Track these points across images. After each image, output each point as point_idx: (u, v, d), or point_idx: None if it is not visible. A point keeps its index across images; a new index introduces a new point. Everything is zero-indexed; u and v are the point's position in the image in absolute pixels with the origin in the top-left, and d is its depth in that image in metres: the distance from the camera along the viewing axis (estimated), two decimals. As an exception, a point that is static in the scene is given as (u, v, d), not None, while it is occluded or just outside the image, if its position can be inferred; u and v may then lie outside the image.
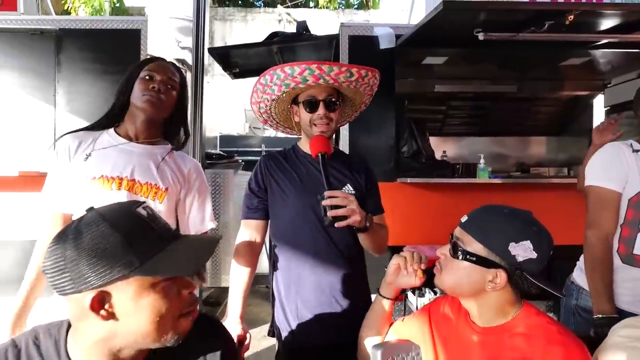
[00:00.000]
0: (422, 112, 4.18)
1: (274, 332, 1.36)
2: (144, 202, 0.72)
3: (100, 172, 1.18)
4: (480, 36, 2.17)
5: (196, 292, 0.76)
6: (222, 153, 3.72)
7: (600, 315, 1.24)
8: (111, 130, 1.26)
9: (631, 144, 1.37)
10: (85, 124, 1.28)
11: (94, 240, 0.62)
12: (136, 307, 0.64)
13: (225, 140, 5.17)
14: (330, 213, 1.10)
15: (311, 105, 1.27)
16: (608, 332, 1.03)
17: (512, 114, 4.43)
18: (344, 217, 1.11)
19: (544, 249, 0.86)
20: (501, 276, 0.86)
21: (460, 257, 0.89)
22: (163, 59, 1.32)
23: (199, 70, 2.99)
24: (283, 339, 1.32)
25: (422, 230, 2.68)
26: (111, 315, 0.64)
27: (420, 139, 2.82)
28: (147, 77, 1.24)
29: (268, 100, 1.32)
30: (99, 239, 0.62)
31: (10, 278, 2.73)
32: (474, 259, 0.87)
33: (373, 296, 2.10)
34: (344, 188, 1.31)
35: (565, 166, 3.91)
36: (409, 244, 2.65)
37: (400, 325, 1.11)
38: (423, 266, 1.01)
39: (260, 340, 2.84)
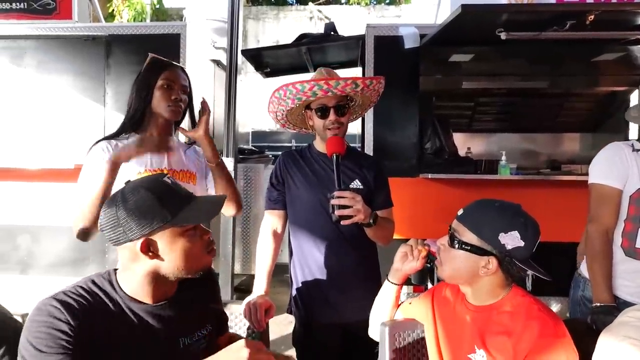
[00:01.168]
0: (450, 108, 4.18)
1: (291, 310, 1.52)
2: (167, 174, 0.94)
3: (144, 167, 1.36)
4: (503, 36, 2.21)
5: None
6: (253, 148, 3.92)
7: (598, 304, 1.30)
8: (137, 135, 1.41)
9: (632, 144, 1.42)
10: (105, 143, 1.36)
11: (137, 202, 0.84)
12: (172, 249, 0.87)
13: (257, 135, 5.38)
14: (338, 212, 1.23)
15: (323, 112, 1.41)
16: (604, 319, 1.11)
17: (543, 110, 4.35)
18: (350, 216, 1.23)
19: (530, 238, 0.95)
20: (492, 262, 0.96)
21: (457, 247, 0.99)
22: (174, 65, 1.45)
23: (232, 70, 3.17)
24: (299, 317, 1.48)
25: (443, 224, 2.75)
26: (156, 256, 0.87)
27: (444, 136, 2.88)
28: (166, 87, 1.37)
29: (283, 111, 1.47)
30: (141, 201, 0.84)
31: (65, 260, 3.05)
32: (469, 247, 0.98)
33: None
34: (352, 183, 1.44)
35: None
36: (430, 238, 2.74)
37: (407, 307, 1.23)
38: (426, 247, 1.13)
39: (286, 325, 3.01)
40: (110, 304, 0.87)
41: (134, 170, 1.35)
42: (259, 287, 1.40)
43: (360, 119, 3.26)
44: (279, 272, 2.69)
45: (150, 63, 1.44)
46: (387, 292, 1.22)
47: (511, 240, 0.94)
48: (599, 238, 1.36)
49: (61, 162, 2.84)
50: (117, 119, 2.98)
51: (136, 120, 1.39)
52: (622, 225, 1.38)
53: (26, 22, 3.04)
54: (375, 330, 1.24)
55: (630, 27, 2.34)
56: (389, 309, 1.23)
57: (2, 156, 2.99)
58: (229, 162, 1.50)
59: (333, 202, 1.24)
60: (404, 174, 2.79)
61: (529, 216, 0.98)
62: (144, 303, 0.90)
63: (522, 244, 0.95)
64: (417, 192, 2.73)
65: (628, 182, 1.37)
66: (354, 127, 1.74)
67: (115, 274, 0.92)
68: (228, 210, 1.46)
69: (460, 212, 1.04)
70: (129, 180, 0.92)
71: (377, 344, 1.24)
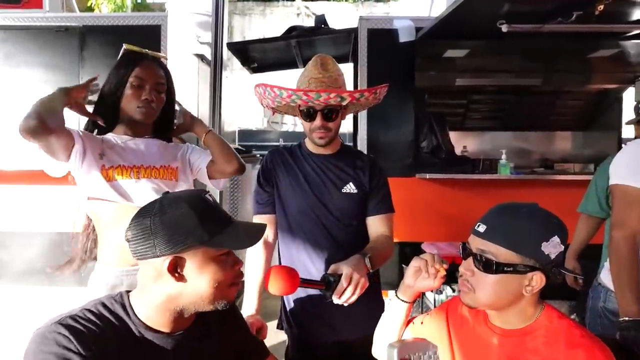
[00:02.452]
0: (443, 106, 4.10)
1: (282, 325, 1.37)
2: (208, 191, 0.86)
3: (121, 162, 1.26)
4: (504, 28, 2.10)
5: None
6: (240, 148, 3.75)
7: (626, 318, 1.19)
8: (110, 134, 1.32)
9: None
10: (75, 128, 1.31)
11: (176, 216, 0.76)
12: (201, 273, 0.78)
13: (244, 134, 5.22)
14: (341, 302, 1.08)
15: (308, 115, 1.26)
16: (636, 335, 0.99)
17: (536, 108, 4.30)
18: None
19: (566, 237, 0.84)
20: (537, 278, 0.83)
21: (493, 271, 0.84)
22: (148, 58, 1.33)
23: (217, 65, 3.01)
24: (292, 336, 1.33)
25: (441, 226, 2.64)
26: (181, 278, 0.78)
27: (440, 134, 2.78)
28: (137, 86, 1.27)
29: (268, 106, 1.35)
30: (180, 216, 0.76)
31: (37, 268, 2.82)
32: (510, 269, 0.83)
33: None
34: (345, 187, 1.30)
35: (592, 162, 3.77)
36: (427, 241, 2.62)
37: (418, 326, 1.09)
38: (445, 266, 0.99)
39: (277, 332, 2.87)
40: (123, 332, 0.78)
41: (103, 164, 1.25)
42: (249, 305, 1.25)
43: (352, 116, 3.16)
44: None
45: (122, 56, 1.33)
46: (395, 310, 1.08)
47: (553, 247, 0.82)
48: (625, 244, 1.25)
49: (31, 163, 2.62)
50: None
51: (108, 119, 1.30)
52: None
53: (-8, 12, 2.81)
54: (381, 350, 1.11)
55: (636, 20, 2.26)
56: (398, 329, 1.09)
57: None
58: (207, 152, 1.43)
59: (337, 302, 1.08)
60: (399, 174, 2.66)
61: (554, 214, 0.86)
62: (161, 332, 0.81)
63: (562, 248, 0.83)
64: (413, 193, 2.61)
65: None
66: (345, 125, 1.59)
67: (129, 296, 0.83)
68: (228, 166, 1.37)
69: (480, 227, 0.88)
70: (168, 192, 0.87)
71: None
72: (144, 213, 0.79)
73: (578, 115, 4.35)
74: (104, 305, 0.79)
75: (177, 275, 0.77)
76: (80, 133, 1.25)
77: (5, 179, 2.75)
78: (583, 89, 4.11)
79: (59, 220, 2.75)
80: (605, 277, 1.39)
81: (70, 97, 1.20)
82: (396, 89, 2.99)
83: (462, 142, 3.89)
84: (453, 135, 3.97)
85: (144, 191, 1.26)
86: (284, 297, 1.36)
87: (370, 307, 1.22)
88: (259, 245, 1.32)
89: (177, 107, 1.43)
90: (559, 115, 4.36)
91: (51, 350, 0.68)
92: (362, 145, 2.70)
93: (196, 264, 0.78)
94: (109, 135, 1.32)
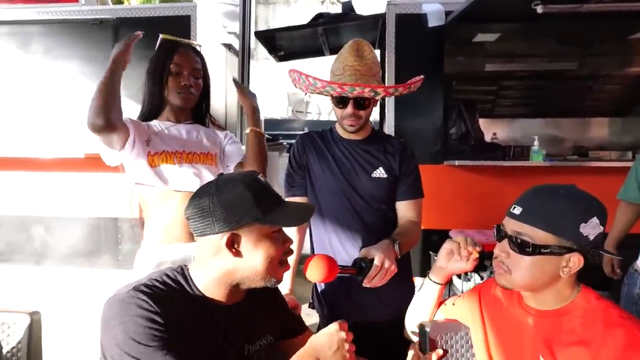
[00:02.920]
0: (472, 92, 4.01)
1: (314, 305, 1.40)
2: (260, 173, 0.90)
3: (164, 148, 1.33)
4: (539, 9, 2.03)
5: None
6: (268, 136, 3.80)
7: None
8: (154, 120, 1.40)
9: None
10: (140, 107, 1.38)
11: (233, 195, 0.81)
12: (255, 249, 0.83)
13: (269, 123, 5.27)
14: (370, 285, 1.11)
15: (341, 102, 1.28)
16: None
17: (571, 94, 4.13)
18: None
19: (606, 218, 0.83)
20: (575, 259, 0.83)
21: (530, 252, 0.84)
22: (185, 47, 1.39)
23: (245, 54, 3.04)
24: (322, 315, 1.37)
25: (469, 214, 2.61)
26: (238, 253, 0.83)
27: (469, 120, 2.72)
28: (176, 73, 1.34)
29: (301, 88, 1.37)
30: (236, 195, 0.81)
31: (75, 251, 2.99)
32: (547, 250, 0.83)
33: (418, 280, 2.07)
34: (375, 171, 1.32)
35: (630, 149, 3.61)
36: (456, 228, 2.60)
37: (450, 308, 1.11)
38: (478, 248, 0.99)
39: (307, 315, 2.94)
40: (186, 297, 0.85)
41: (149, 151, 1.32)
42: (284, 285, 1.29)
43: (379, 103, 3.14)
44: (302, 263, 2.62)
45: (160, 46, 1.39)
46: (428, 292, 1.10)
47: (592, 229, 0.81)
48: None
49: (71, 152, 2.76)
50: (126, 106, 2.90)
51: (155, 108, 1.38)
52: None
53: (31, 6, 2.93)
54: (413, 328, 1.12)
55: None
56: (430, 310, 1.11)
57: (12, 145, 2.92)
58: (242, 150, 1.46)
59: (367, 285, 1.11)
60: (427, 161, 2.64)
61: (595, 197, 0.85)
62: (217, 301, 0.87)
63: (601, 229, 0.82)
64: (442, 180, 2.59)
65: None
66: (372, 114, 1.60)
67: (188, 269, 0.89)
68: (257, 169, 1.39)
69: (516, 210, 0.88)
70: (222, 173, 0.94)
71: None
72: (202, 193, 0.84)
73: (616, 100, 4.15)
74: (167, 276, 0.86)
75: (234, 250, 0.82)
76: (132, 123, 1.32)
77: (48, 167, 2.90)
78: (621, 72, 3.91)
79: (99, 206, 2.89)
80: (642, 262, 1.36)
81: (123, 66, 1.28)
82: (425, 75, 2.95)
83: (492, 130, 3.81)
84: (482, 123, 3.87)
85: (185, 176, 1.33)
86: None
87: (400, 290, 1.24)
88: (293, 228, 1.36)
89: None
90: (596, 101, 4.18)
91: (136, 313, 0.74)
92: (389, 132, 2.69)
93: (251, 240, 0.83)
94: (154, 122, 1.39)
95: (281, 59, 3.74)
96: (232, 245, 0.82)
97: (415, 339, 1.11)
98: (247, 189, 0.83)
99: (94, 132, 1.22)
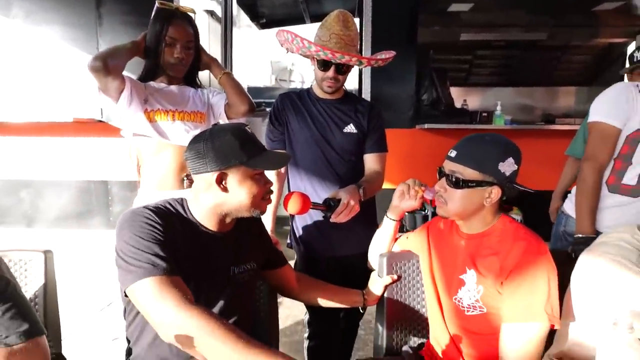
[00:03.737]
0: (447, 62, 4.17)
1: (291, 245, 1.61)
2: (248, 125, 1.05)
3: (157, 107, 1.48)
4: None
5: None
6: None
7: (580, 235, 1.40)
8: (152, 82, 1.54)
9: (638, 84, 1.44)
10: (131, 73, 1.51)
11: (222, 141, 0.96)
12: (240, 187, 0.98)
13: (253, 92, 5.31)
14: (336, 220, 1.27)
15: (324, 65, 1.43)
16: (583, 248, 1.20)
17: (541, 64, 4.33)
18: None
19: (520, 160, 1.03)
20: (495, 191, 1.03)
21: (460, 186, 1.03)
22: (180, 17, 1.48)
23: (228, 21, 3.11)
24: (299, 251, 1.57)
25: (438, 174, 2.83)
26: (225, 189, 0.98)
27: (441, 87, 2.90)
28: (170, 44, 1.45)
29: (288, 49, 1.51)
30: (225, 142, 0.96)
31: (67, 213, 3.12)
32: (474, 184, 1.02)
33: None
34: (346, 127, 1.49)
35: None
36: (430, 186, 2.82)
37: (404, 240, 1.32)
38: (423, 188, 1.19)
39: (286, 252, 3.17)
40: (184, 221, 1.00)
41: (146, 108, 1.46)
42: (265, 225, 1.49)
43: (357, 72, 3.28)
44: (281, 224, 2.80)
45: (156, 13, 1.48)
46: (385, 227, 1.31)
47: (508, 167, 1.01)
48: (592, 175, 1.42)
49: (59, 116, 2.84)
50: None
51: (151, 72, 1.52)
52: (612, 163, 1.45)
53: (12, -30, 2.92)
54: (374, 261, 1.34)
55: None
56: (387, 242, 1.32)
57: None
58: (224, 96, 1.61)
59: (334, 220, 1.27)
60: (401, 125, 2.83)
61: (512, 142, 1.05)
62: (209, 229, 1.02)
63: (516, 167, 1.02)
64: (413, 142, 2.79)
65: (629, 123, 1.41)
66: (350, 81, 1.75)
67: (186, 201, 1.04)
68: (241, 106, 1.57)
69: (452, 153, 1.07)
70: (218, 123, 1.05)
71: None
72: (198, 139, 0.99)
73: (583, 70, 4.38)
74: (170, 203, 1.02)
75: (222, 186, 0.97)
76: (130, 81, 1.45)
77: (36, 131, 2.97)
78: (588, 43, 4.12)
79: (88, 170, 3.01)
80: (567, 206, 1.58)
81: (138, 49, 1.47)
82: (399, 44, 3.10)
83: (467, 97, 4.00)
84: (458, 91, 4.08)
85: (177, 131, 1.49)
86: (293, 222, 1.60)
87: (365, 229, 1.43)
88: (273, 176, 1.54)
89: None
90: (564, 71, 4.41)
91: (142, 220, 0.92)
92: (366, 98, 2.85)
93: (237, 179, 0.98)
94: (151, 83, 1.52)
95: (263, 26, 3.81)
96: (221, 182, 0.97)
97: (376, 267, 1.33)
98: (234, 137, 0.97)
99: (91, 73, 1.36)
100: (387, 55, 1.48)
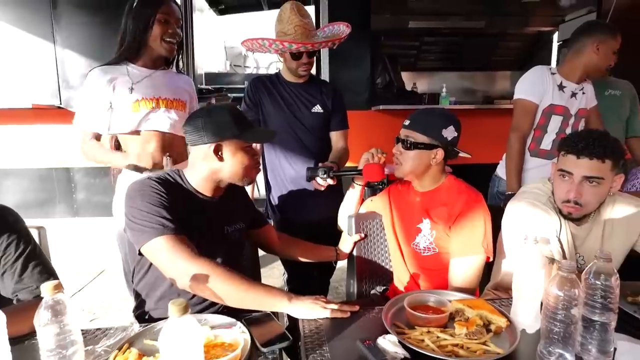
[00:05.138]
0: (397, 47, 4.44)
1: (268, 214, 1.79)
2: (238, 104, 1.17)
3: (142, 96, 1.50)
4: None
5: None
6: (210, 88, 3.96)
7: (510, 192, 1.71)
8: (131, 65, 1.52)
9: (550, 68, 1.78)
10: (87, 58, 1.51)
11: (219, 118, 1.11)
12: (234, 157, 1.12)
13: (209, 77, 5.31)
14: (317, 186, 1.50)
15: (297, 56, 1.61)
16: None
17: (481, 50, 4.74)
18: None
19: (460, 129, 1.28)
20: (439, 153, 1.27)
21: (412, 148, 1.27)
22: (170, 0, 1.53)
23: (188, 7, 3.14)
24: (275, 219, 1.76)
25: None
26: (221, 159, 1.11)
27: (393, 72, 3.15)
28: (164, 22, 1.48)
29: (254, 51, 1.68)
30: (221, 118, 1.11)
31: (29, 202, 3.06)
32: (422, 146, 1.26)
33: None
34: (314, 107, 1.69)
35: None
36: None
37: (368, 203, 1.54)
38: (385, 155, 1.42)
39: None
40: (182, 189, 1.13)
41: (133, 98, 1.49)
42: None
43: (316, 57, 3.44)
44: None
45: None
46: (352, 192, 1.52)
47: (450, 132, 1.25)
48: (517, 142, 1.74)
49: (17, 102, 2.75)
50: (69, 57, 2.90)
51: (134, 51, 1.50)
52: (532, 133, 1.77)
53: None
54: (344, 222, 1.55)
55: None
56: (354, 205, 1.53)
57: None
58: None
59: (315, 185, 1.49)
60: (357, 107, 3.05)
61: (454, 114, 1.30)
62: (204, 194, 1.16)
63: (456, 134, 1.26)
64: (369, 123, 3.02)
65: (544, 99, 1.73)
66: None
67: (182, 172, 1.17)
68: None
69: (406, 122, 1.31)
70: (210, 102, 1.15)
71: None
72: (196, 115, 1.12)
73: (516, 56, 4.85)
74: (168, 174, 1.15)
75: (218, 156, 1.11)
76: (110, 103, 1.47)
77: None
78: (521, 31, 4.57)
79: (50, 157, 2.95)
80: (500, 170, 1.90)
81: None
82: (354, 31, 3.27)
83: (415, 81, 4.31)
84: (407, 76, 4.37)
85: (161, 119, 1.53)
86: (269, 194, 1.78)
87: (333, 198, 1.63)
88: None
89: None
90: (501, 56, 4.85)
91: (150, 188, 1.05)
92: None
93: (231, 150, 1.11)
94: (135, 70, 1.52)
95: (221, 12, 3.84)
96: (218, 152, 1.10)
97: (345, 228, 1.55)
98: (229, 114, 1.11)
99: None
100: (346, 29, 1.69)
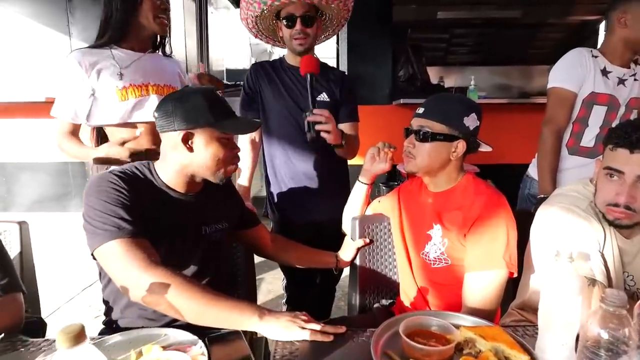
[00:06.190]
0: (425, 40, 4.18)
1: (267, 212, 1.64)
2: (218, 89, 1.01)
3: (129, 82, 1.38)
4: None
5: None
6: (228, 83, 3.87)
7: (542, 195, 1.47)
8: (117, 48, 1.40)
9: (592, 50, 1.52)
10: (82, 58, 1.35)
11: (192, 102, 0.97)
12: (206, 148, 0.98)
13: (232, 74, 5.27)
14: (318, 127, 1.28)
15: (289, 21, 1.44)
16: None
17: (516, 43, 4.41)
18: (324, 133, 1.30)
19: (481, 116, 1.08)
20: (461, 145, 1.07)
21: (429, 140, 1.07)
22: None
23: (202, 1, 3.06)
24: (275, 218, 1.60)
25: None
26: (191, 149, 0.98)
27: (417, 64, 2.93)
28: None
29: (252, 17, 1.49)
30: (195, 103, 0.97)
31: (43, 196, 3.07)
32: (442, 137, 1.06)
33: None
34: (319, 96, 1.50)
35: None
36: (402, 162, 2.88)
37: (375, 204, 1.36)
38: (393, 149, 1.23)
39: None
40: (149, 184, 1.01)
41: (120, 85, 1.37)
42: (242, 181, 1.55)
43: (335, 50, 3.28)
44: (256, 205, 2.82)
45: None
46: (358, 191, 1.34)
47: (472, 121, 1.06)
48: (551, 137, 1.50)
49: (31, 96, 2.77)
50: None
51: (122, 32, 1.38)
52: (570, 127, 1.52)
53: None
54: (347, 225, 1.37)
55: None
56: (360, 206, 1.36)
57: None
58: None
59: (310, 118, 1.28)
60: (378, 102, 2.86)
61: (473, 100, 1.10)
62: (176, 191, 1.03)
63: (478, 122, 1.07)
64: (390, 117, 2.83)
65: (583, 86, 1.48)
66: (328, 60, 1.76)
67: (154, 164, 1.05)
68: None
69: (420, 110, 1.12)
70: (187, 86, 1.06)
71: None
72: (168, 98, 0.99)
73: (556, 48, 4.47)
74: (136, 167, 1.02)
75: (188, 146, 0.97)
76: (93, 90, 1.35)
77: (7, 112, 2.89)
78: (561, 21, 4.19)
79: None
80: (531, 170, 1.65)
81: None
82: (374, 22, 3.10)
83: (444, 76, 4.05)
84: (436, 70, 4.11)
85: (151, 108, 1.40)
86: (269, 190, 1.62)
87: (338, 196, 1.47)
88: (247, 144, 1.56)
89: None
90: (538, 49, 4.49)
91: (107, 185, 0.92)
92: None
93: (203, 140, 0.97)
94: (121, 53, 1.39)
95: (238, 4, 3.74)
96: (187, 141, 0.97)
97: (349, 231, 1.37)
98: (204, 98, 0.97)
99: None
100: None
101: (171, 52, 1.56)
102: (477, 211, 1.02)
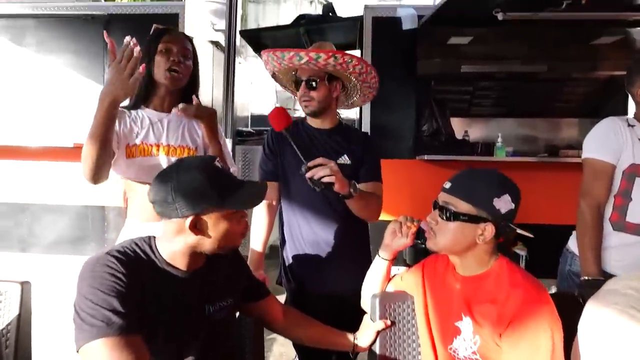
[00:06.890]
0: (449, 92, 4.18)
1: (282, 281, 1.55)
2: (217, 158, 0.98)
3: (140, 140, 1.36)
4: (499, 16, 2.21)
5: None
6: (251, 131, 3.92)
7: (586, 278, 1.34)
8: (145, 109, 1.41)
9: (627, 119, 1.44)
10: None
11: (191, 184, 0.90)
12: (215, 228, 0.94)
13: (256, 119, 5.36)
14: (317, 175, 1.21)
15: (296, 84, 1.45)
16: (592, 292, 1.14)
17: (542, 95, 4.33)
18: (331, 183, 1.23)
19: (519, 199, 0.99)
20: (489, 228, 0.98)
21: (452, 219, 1.00)
22: (174, 29, 1.44)
23: (230, 51, 3.17)
24: (289, 289, 1.52)
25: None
26: (200, 232, 0.93)
27: (441, 118, 2.90)
28: (164, 51, 1.35)
29: (270, 71, 1.52)
30: (194, 184, 0.90)
31: (65, 238, 3.09)
32: (466, 217, 0.99)
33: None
34: (340, 158, 1.45)
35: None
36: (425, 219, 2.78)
37: (398, 281, 1.27)
38: (416, 223, 1.16)
39: (275, 289, 3.08)
40: (149, 263, 0.95)
41: (130, 143, 1.36)
42: (254, 261, 1.44)
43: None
44: (271, 254, 2.73)
45: (151, 33, 1.43)
46: (377, 267, 1.25)
47: (504, 204, 0.97)
48: (590, 212, 1.39)
49: (61, 141, 2.86)
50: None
51: (143, 95, 1.39)
52: (612, 200, 1.41)
53: (27, 1, 3.03)
54: (367, 302, 1.27)
55: (628, 8, 2.33)
56: (380, 283, 1.26)
57: (3, 134, 3.02)
58: (227, 144, 1.54)
59: (308, 175, 1.22)
60: (400, 156, 2.82)
61: (511, 179, 1.01)
62: (179, 269, 0.97)
63: (513, 206, 0.98)
64: (413, 173, 2.76)
65: (621, 157, 1.39)
66: (350, 112, 1.74)
67: (155, 240, 0.99)
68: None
69: (447, 185, 1.05)
70: (182, 159, 1.01)
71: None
72: (162, 179, 0.92)
73: (585, 102, 4.37)
74: (136, 244, 0.97)
75: (197, 231, 0.92)
76: (118, 133, 1.31)
77: (35, 155, 2.99)
78: (589, 75, 4.13)
79: (86, 195, 3.00)
80: (572, 243, 1.53)
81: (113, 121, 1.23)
82: (399, 75, 3.13)
83: (467, 129, 3.99)
84: (459, 122, 4.07)
85: (148, 168, 1.34)
86: (284, 255, 1.55)
87: (358, 264, 1.38)
88: (263, 208, 1.51)
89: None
90: (566, 102, 4.40)
91: (103, 270, 0.86)
92: (365, 130, 2.85)
93: (212, 221, 0.93)
94: (142, 113, 1.40)
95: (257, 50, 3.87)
96: (195, 226, 0.91)
97: (368, 309, 1.27)
98: (203, 176, 0.91)
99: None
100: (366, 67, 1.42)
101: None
102: (514, 308, 0.92)
